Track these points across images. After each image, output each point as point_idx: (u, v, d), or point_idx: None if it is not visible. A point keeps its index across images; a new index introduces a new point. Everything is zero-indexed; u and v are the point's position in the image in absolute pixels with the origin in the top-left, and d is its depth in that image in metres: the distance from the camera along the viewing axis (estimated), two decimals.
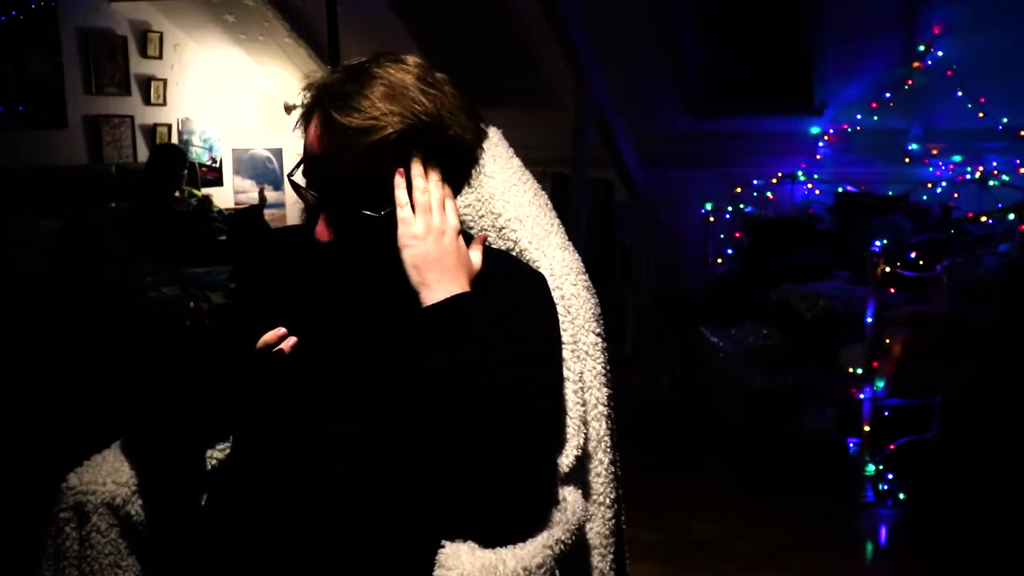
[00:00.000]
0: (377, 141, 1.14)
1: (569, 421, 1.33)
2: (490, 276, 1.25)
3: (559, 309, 1.37)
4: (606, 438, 1.37)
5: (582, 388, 1.36)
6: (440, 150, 1.20)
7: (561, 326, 1.35)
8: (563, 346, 1.34)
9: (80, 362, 3.54)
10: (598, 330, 1.41)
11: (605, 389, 1.39)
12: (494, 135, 1.50)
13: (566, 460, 1.30)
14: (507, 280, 1.28)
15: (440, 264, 1.17)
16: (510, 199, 1.45)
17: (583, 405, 1.35)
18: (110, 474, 1.32)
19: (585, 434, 1.34)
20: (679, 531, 3.02)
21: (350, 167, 1.16)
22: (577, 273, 1.43)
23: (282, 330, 1.21)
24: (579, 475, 1.33)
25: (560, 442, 1.32)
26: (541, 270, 1.39)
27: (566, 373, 1.34)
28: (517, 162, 1.51)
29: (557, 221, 1.48)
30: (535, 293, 1.31)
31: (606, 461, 1.37)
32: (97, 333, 3.67)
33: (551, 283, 1.37)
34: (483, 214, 1.46)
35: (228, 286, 4.08)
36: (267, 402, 1.25)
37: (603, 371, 1.40)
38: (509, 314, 1.24)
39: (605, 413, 1.38)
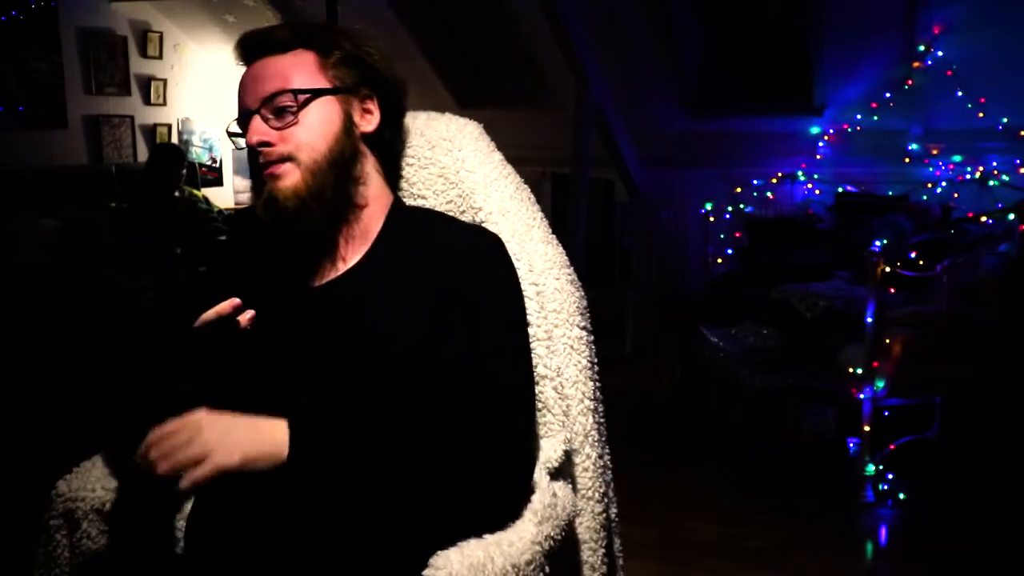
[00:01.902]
0: (297, 30, 1.28)
1: (552, 417, 1.33)
2: (439, 246, 1.27)
3: (535, 305, 1.36)
4: (593, 432, 1.36)
5: (562, 383, 1.34)
6: (358, 60, 1.29)
7: (541, 322, 1.35)
8: (538, 342, 1.34)
9: (80, 362, 3.54)
10: (583, 324, 1.40)
11: (591, 383, 1.38)
12: (475, 130, 1.50)
13: (555, 455, 1.28)
14: (456, 250, 1.28)
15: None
16: (491, 194, 1.44)
17: (565, 400, 1.34)
18: (100, 480, 1.32)
19: (571, 429, 1.34)
20: (678, 530, 3.02)
21: (275, 70, 1.26)
22: (560, 267, 1.41)
23: (237, 300, 1.19)
24: (567, 470, 1.33)
25: (534, 425, 1.29)
26: (519, 265, 1.37)
27: (543, 370, 1.33)
28: (499, 156, 1.50)
29: (540, 215, 1.47)
30: (487, 258, 1.29)
31: (593, 455, 1.35)
32: (97, 333, 3.67)
33: (530, 278, 1.36)
34: (464, 209, 1.45)
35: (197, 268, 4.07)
36: (229, 379, 1.23)
37: (588, 365, 1.38)
38: (463, 284, 1.23)
39: (591, 407, 1.36)
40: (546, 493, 1.20)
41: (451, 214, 1.44)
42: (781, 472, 3.34)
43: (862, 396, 3.23)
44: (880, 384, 3.23)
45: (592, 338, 1.40)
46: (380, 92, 1.31)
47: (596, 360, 1.41)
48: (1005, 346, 3.28)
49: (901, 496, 3.21)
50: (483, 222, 1.42)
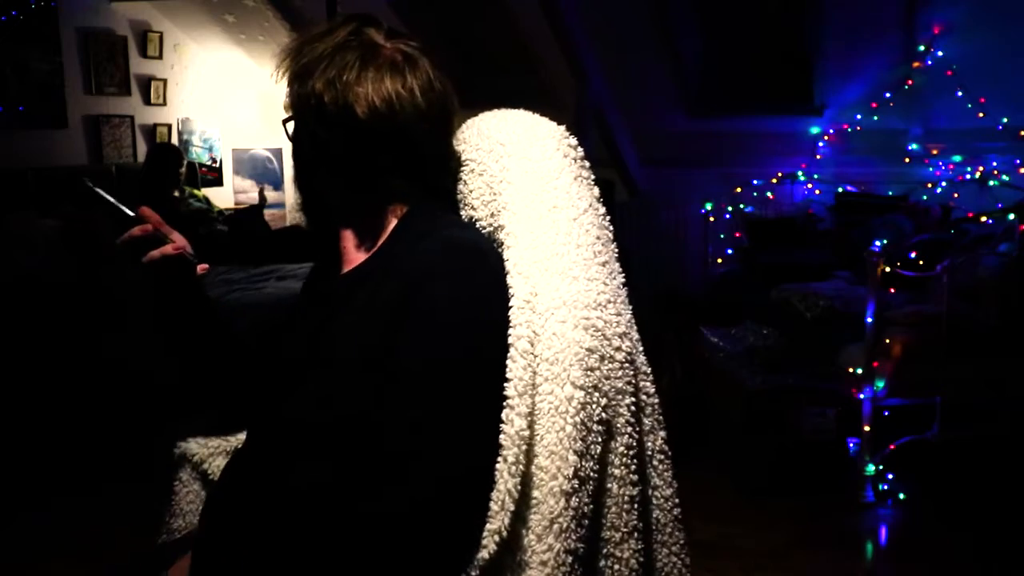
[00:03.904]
0: (282, 52, 1.26)
1: (495, 494, 1.06)
2: (409, 258, 1.15)
3: (516, 350, 1.09)
4: (563, 521, 1.06)
5: (523, 451, 1.07)
6: (303, 101, 1.22)
7: (520, 373, 1.08)
8: (506, 400, 1.08)
9: (80, 362, 3.54)
10: (584, 383, 1.09)
11: (574, 459, 1.07)
12: (544, 131, 1.29)
13: (482, 553, 1.05)
14: (414, 263, 1.14)
15: None
16: (519, 211, 1.20)
17: (519, 476, 1.06)
18: (194, 437, 1.53)
19: (513, 512, 1.06)
20: None
21: None
22: (576, 308, 1.13)
23: (148, 227, 1.27)
24: (508, 561, 1.08)
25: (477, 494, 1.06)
26: (514, 298, 1.13)
27: (501, 438, 1.07)
28: (553, 165, 1.25)
29: (584, 243, 1.20)
30: (432, 276, 1.11)
31: (558, 548, 1.05)
32: (97, 333, 3.67)
33: (523, 317, 1.11)
34: (495, 227, 1.24)
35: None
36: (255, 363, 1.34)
37: (578, 436, 1.07)
38: (406, 301, 1.10)
39: (568, 489, 1.06)
40: None
41: (489, 229, 1.25)
42: (781, 472, 3.34)
43: (862, 396, 3.23)
44: (880, 384, 3.23)
45: (600, 402, 1.11)
46: (324, 103, 1.20)
47: (603, 432, 1.11)
48: (1005, 346, 3.28)
49: (901, 496, 3.21)
50: (500, 243, 1.21)
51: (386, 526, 1.03)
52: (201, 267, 1.30)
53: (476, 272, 1.13)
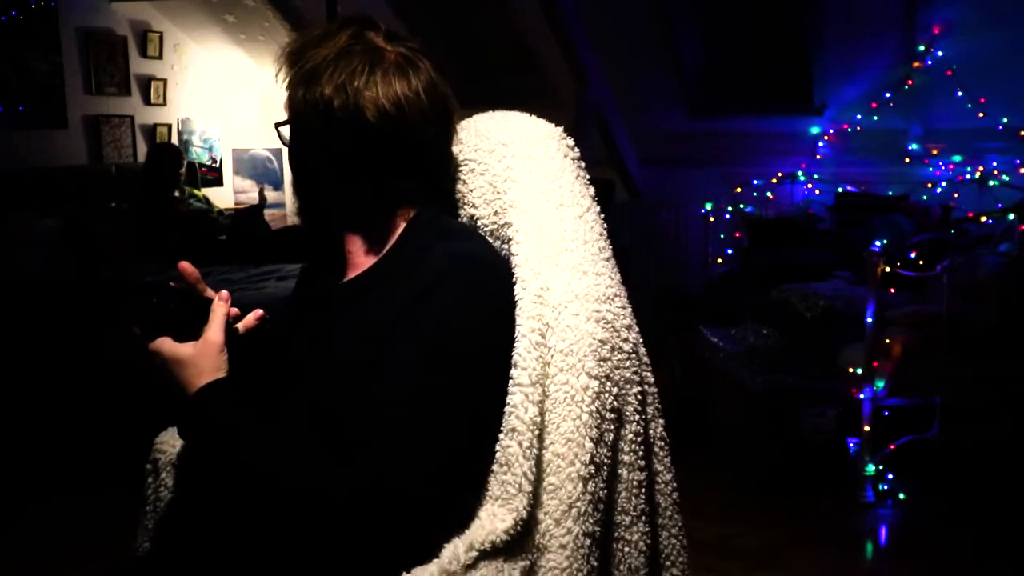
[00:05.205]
0: (285, 50, 1.24)
1: (511, 477, 1.10)
2: (413, 268, 1.16)
3: (528, 343, 1.13)
4: (581, 505, 1.11)
5: (536, 436, 1.11)
6: (309, 104, 1.20)
7: (533, 364, 1.13)
8: (518, 387, 1.12)
9: (80, 362, 3.54)
10: (599, 372, 1.14)
11: (590, 445, 1.12)
12: (544, 132, 1.33)
13: (502, 525, 1.08)
14: (415, 276, 1.15)
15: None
16: (527, 208, 1.24)
17: (553, 460, 1.12)
18: (176, 436, 1.42)
19: (530, 493, 1.10)
20: None
21: None
22: (587, 301, 1.17)
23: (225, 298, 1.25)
24: (523, 544, 1.11)
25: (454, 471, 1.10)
26: (524, 293, 1.16)
27: (515, 422, 1.11)
28: (556, 165, 1.29)
29: (588, 239, 1.24)
30: (432, 288, 1.13)
31: (577, 531, 1.11)
32: (97, 333, 3.67)
33: (533, 311, 1.15)
34: (500, 225, 1.26)
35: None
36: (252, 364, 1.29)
37: (593, 423, 1.12)
38: (405, 313, 1.12)
39: (585, 475, 1.11)
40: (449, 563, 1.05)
41: (492, 227, 1.28)
42: (781, 472, 3.34)
43: (862, 396, 3.23)
44: (880, 384, 3.23)
45: (612, 391, 1.16)
46: (333, 107, 1.18)
47: (615, 420, 1.16)
48: (1005, 346, 3.28)
49: (901, 496, 3.21)
50: (508, 240, 1.23)
51: (322, 506, 1.05)
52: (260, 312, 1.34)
53: (482, 286, 1.16)
